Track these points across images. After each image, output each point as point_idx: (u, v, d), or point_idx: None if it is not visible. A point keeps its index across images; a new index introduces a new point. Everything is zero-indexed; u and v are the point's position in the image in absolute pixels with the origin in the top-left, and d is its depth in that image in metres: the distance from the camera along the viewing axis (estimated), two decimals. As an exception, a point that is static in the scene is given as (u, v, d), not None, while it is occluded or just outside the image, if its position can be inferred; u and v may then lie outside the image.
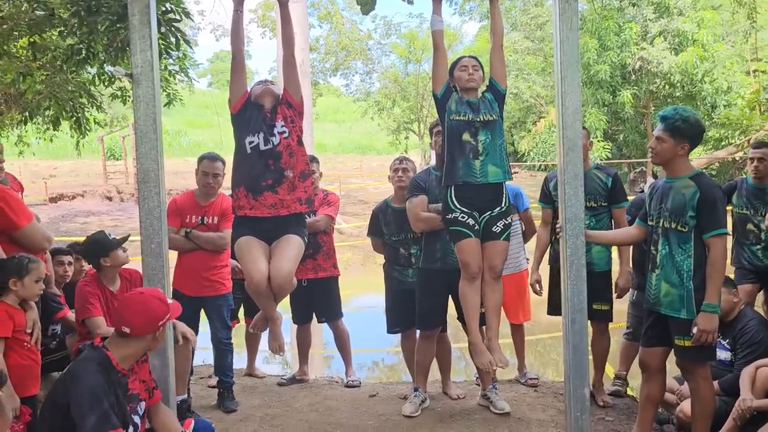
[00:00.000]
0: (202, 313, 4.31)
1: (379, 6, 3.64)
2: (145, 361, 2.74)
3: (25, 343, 2.92)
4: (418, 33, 27.28)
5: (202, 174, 4.21)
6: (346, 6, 27.95)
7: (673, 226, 3.15)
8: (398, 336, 4.57)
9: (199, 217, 4.19)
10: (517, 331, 4.78)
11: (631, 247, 4.17)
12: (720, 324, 3.29)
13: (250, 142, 3.41)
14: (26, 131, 10.48)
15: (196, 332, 4.18)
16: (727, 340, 3.78)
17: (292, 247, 3.37)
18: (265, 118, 3.43)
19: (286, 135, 3.42)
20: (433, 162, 4.28)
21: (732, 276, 4.06)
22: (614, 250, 4.25)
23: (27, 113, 7.71)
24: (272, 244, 3.40)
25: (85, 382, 2.40)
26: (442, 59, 3.59)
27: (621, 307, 4.39)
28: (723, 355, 3.77)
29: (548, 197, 4.33)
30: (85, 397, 2.35)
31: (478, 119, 3.49)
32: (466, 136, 3.48)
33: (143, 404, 2.67)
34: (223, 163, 4.25)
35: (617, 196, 4.15)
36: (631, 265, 4.23)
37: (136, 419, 2.59)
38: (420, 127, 27.08)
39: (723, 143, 18.60)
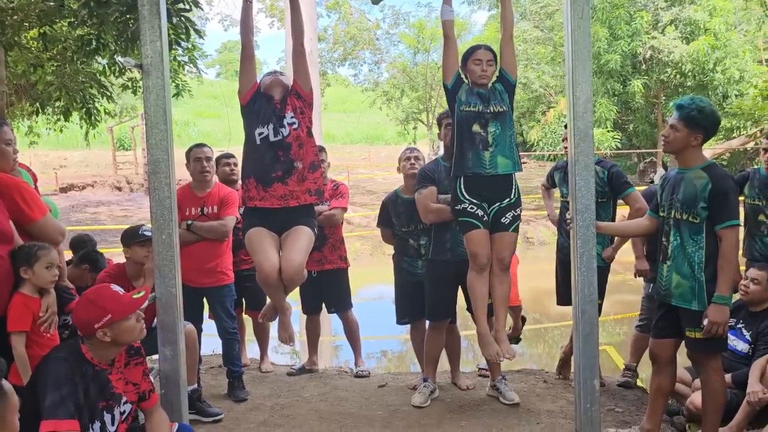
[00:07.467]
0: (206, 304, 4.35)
1: (388, -5, 3.62)
2: (139, 364, 2.70)
3: (46, 334, 2.93)
4: (426, 22, 27.06)
5: (195, 161, 4.24)
6: (355, -5, 27.80)
7: (685, 217, 3.13)
8: (407, 326, 4.58)
9: (199, 208, 4.21)
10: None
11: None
12: (745, 312, 3.23)
13: (260, 134, 3.41)
14: (37, 122, 10.54)
15: (201, 322, 4.23)
16: (750, 332, 3.72)
17: (303, 238, 3.37)
18: (274, 109, 3.43)
19: (295, 126, 3.42)
20: (441, 153, 4.27)
21: (743, 268, 4.03)
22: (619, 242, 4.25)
23: (38, 104, 7.75)
24: (282, 236, 3.40)
25: (48, 368, 2.42)
26: (452, 49, 3.58)
27: (634, 298, 4.37)
28: (740, 346, 3.72)
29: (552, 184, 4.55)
30: (47, 381, 2.38)
31: (488, 110, 3.48)
32: (476, 127, 3.48)
33: (128, 406, 2.63)
34: (210, 148, 4.33)
35: (619, 187, 4.15)
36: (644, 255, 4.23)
37: (108, 418, 2.54)
38: (428, 117, 26.95)
39: (735, 133, 18.43)
